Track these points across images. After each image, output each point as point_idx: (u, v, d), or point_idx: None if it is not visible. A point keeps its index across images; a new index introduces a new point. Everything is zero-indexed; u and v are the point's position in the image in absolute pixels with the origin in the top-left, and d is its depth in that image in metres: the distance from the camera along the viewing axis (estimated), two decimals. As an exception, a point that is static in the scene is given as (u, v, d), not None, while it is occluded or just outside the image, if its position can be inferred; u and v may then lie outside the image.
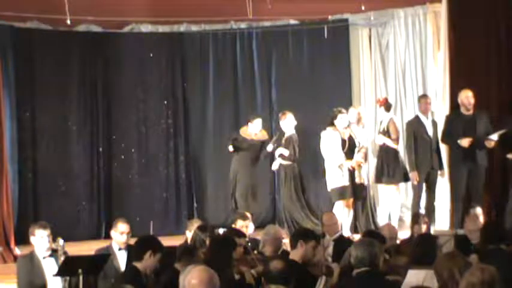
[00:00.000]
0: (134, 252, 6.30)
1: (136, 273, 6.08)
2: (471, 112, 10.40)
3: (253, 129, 12.05)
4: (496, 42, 10.79)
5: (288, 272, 5.81)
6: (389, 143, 11.13)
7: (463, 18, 10.92)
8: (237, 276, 6.22)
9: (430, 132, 10.76)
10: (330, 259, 7.35)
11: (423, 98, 11.16)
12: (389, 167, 11.12)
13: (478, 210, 8.63)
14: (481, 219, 8.54)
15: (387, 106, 11.39)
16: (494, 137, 10.20)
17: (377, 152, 11.43)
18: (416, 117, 10.94)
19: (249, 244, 7.30)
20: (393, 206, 11.27)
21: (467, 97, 10.37)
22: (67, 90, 12.60)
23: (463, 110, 10.45)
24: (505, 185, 10.53)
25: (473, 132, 10.30)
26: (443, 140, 10.69)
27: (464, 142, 10.25)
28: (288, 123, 11.70)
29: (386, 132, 11.21)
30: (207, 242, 7.00)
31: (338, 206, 10.87)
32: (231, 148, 11.91)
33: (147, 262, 6.12)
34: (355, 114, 11.47)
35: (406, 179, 11.17)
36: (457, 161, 10.52)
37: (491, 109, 10.66)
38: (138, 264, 6.14)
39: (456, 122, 10.45)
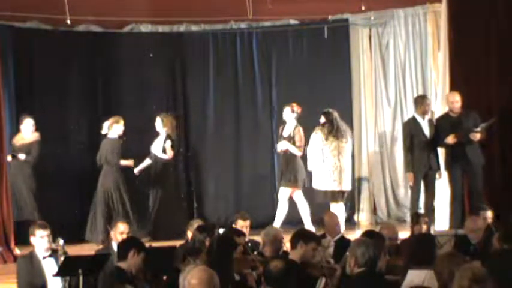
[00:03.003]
0: (118, 253, 6.41)
1: (121, 273, 6.16)
2: (459, 112, 10.43)
3: (24, 133, 11.50)
4: (496, 42, 10.79)
5: (287, 272, 5.81)
6: (293, 150, 11.35)
7: (463, 18, 10.92)
8: (237, 277, 6.23)
9: (427, 132, 10.76)
10: (331, 260, 7.33)
11: (423, 99, 11.11)
12: (291, 173, 11.33)
13: (489, 214, 8.60)
14: (490, 222, 8.51)
15: (299, 114, 11.56)
16: (478, 128, 10.22)
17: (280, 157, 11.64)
18: (413, 118, 10.94)
19: (249, 244, 7.30)
20: (303, 209, 11.39)
21: (454, 101, 10.43)
22: (67, 90, 12.60)
23: (450, 111, 10.50)
24: (506, 184, 10.53)
25: (460, 130, 10.33)
26: (435, 144, 10.72)
27: (449, 139, 10.30)
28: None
29: (291, 139, 11.38)
30: (207, 242, 7.01)
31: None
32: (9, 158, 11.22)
33: (131, 261, 6.22)
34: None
35: (304, 185, 11.40)
36: (451, 162, 10.57)
37: (492, 109, 10.65)
38: (123, 264, 6.24)
39: (444, 123, 10.51)
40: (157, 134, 11.88)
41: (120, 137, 11.61)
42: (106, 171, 11.51)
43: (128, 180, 11.71)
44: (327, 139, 11.25)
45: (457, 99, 10.39)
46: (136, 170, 11.89)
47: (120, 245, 6.56)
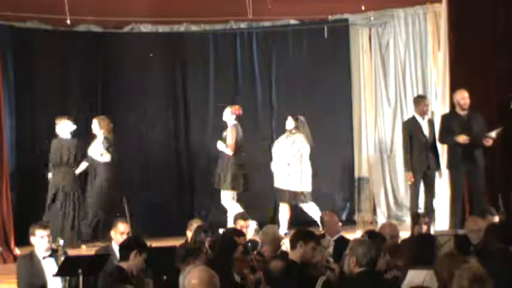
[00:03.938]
0: (121, 254, 6.41)
1: (122, 273, 6.15)
2: (466, 112, 10.41)
3: None
4: (496, 42, 10.79)
5: (287, 272, 5.81)
6: (225, 150, 11.51)
7: (463, 18, 10.92)
8: (237, 277, 6.22)
9: (426, 132, 10.75)
10: (331, 259, 7.34)
11: (421, 99, 11.11)
12: (223, 173, 11.50)
13: (496, 219, 8.58)
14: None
15: (238, 116, 11.65)
16: (493, 134, 10.22)
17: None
18: (413, 118, 10.94)
19: (249, 244, 7.30)
20: (232, 210, 11.42)
21: (463, 98, 10.38)
22: (67, 90, 12.60)
23: (458, 109, 10.47)
24: (506, 184, 10.53)
25: (469, 131, 10.31)
26: (440, 140, 10.70)
27: (461, 138, 10.25)
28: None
29: (225, 139, 11.53)
30: (207, 242, 7.01)
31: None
32: None
33: (133, 262, 6.23)
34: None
35: (233, 187, 11.52)
36: (456, 161, 10.52)
37: (491, 109, 10.65)
38: (124, 264, 6.24)
39: (452, 121, 10.47)
40: (94, 137, 11.58)
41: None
42: (62, 172, 11.26)
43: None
44: (307, 142, 11.56)
45: (466, 96, 10.37)
46: (77, 172, 11.51)
47: (123, 245, 6.56)
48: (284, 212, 11.63)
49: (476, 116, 10.39)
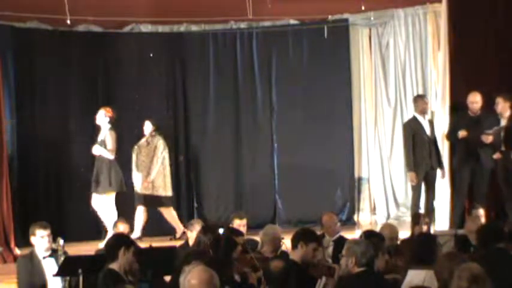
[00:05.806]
0: (108, 254, 6.23)
1: (115, 275, 6.01)
2: (478, 113, 10.41)
3: None
4: (496, 42, 10.78)
5: (287, 272, 5.81)
6: (106, 154, 11.34)
7: (463, 18, 10.91)
8: (236, 277, 6.22)
9: (428, 131, 10.75)
10: (329, 260, 7.34)
11: (421, 98, 11.12)
12: (104, 177, 11.33)
13: (480, 212, 8.61)
14: (483, 220, 8.53)
15: (112, 118, 11.48)
16: (491, 131, 10.21)
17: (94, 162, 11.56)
18: (414, 118, 10.93)
19: (249, 244, 7.31)
20: (110, 214, 11.26)
21: (471, 102, 10.37)
22: (67, 90, 12.60)
23: (468, 111, 10.47)
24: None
25: (476, 131, 10.30)
26: (448, 138, 10.70)
27: (461, 133, 10.26)
28: None
29: (103, 143, 11.37)
30: (209, 242, 7.01)
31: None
32: None
33: (123, 260, 6.07)
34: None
35: (118, 189, 11.42)
36: (460, 161, 10.51)
37: (491, 109, 10.64)
38: (114, 265, 6.08)
39: (462, 121, 10.46)
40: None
41: None
42: None
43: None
44: (165, 146, 11.85)
45: (477, 100, 10.34)
46: None
47: (108, 245, 6.38)
48: (140, 216, 11.64)
49: (489, 118, 10.36)
